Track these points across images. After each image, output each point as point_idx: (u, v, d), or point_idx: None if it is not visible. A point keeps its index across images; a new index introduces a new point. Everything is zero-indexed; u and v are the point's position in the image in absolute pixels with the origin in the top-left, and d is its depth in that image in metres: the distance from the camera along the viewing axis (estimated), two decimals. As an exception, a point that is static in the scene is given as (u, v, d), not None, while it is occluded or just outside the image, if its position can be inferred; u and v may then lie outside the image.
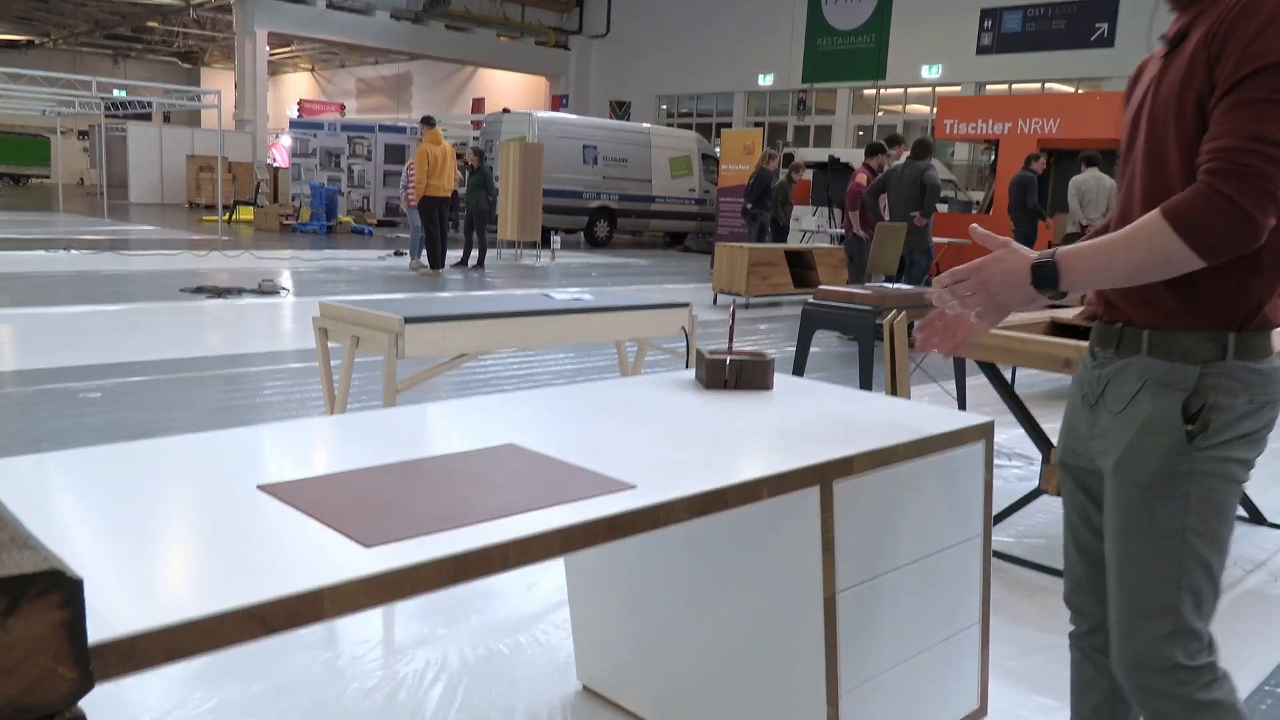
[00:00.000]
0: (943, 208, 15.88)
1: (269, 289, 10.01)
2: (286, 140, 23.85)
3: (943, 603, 2.20)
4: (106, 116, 22.07)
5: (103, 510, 1.36)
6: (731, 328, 2.47)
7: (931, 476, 2.10)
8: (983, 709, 2.42)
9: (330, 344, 3.31)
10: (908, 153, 8.65)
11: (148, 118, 31.80)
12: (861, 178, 9.00)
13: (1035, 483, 4.70)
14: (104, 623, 1.03)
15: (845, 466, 1.87)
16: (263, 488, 1.49)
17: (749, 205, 11.90)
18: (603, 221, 19.33)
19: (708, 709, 2.20)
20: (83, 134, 39.93)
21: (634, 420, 2.03)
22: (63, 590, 0.92)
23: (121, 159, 28.84)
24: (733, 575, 2.06)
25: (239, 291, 9.84)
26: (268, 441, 1.74)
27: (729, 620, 2.09)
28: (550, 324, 3.36)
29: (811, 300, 5.09)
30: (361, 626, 2.83)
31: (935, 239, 10.34)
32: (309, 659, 2.64)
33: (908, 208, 8.33)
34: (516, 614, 2.96)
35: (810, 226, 15.09)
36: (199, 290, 9.80)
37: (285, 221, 19.97)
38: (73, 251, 13.37)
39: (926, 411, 2.28)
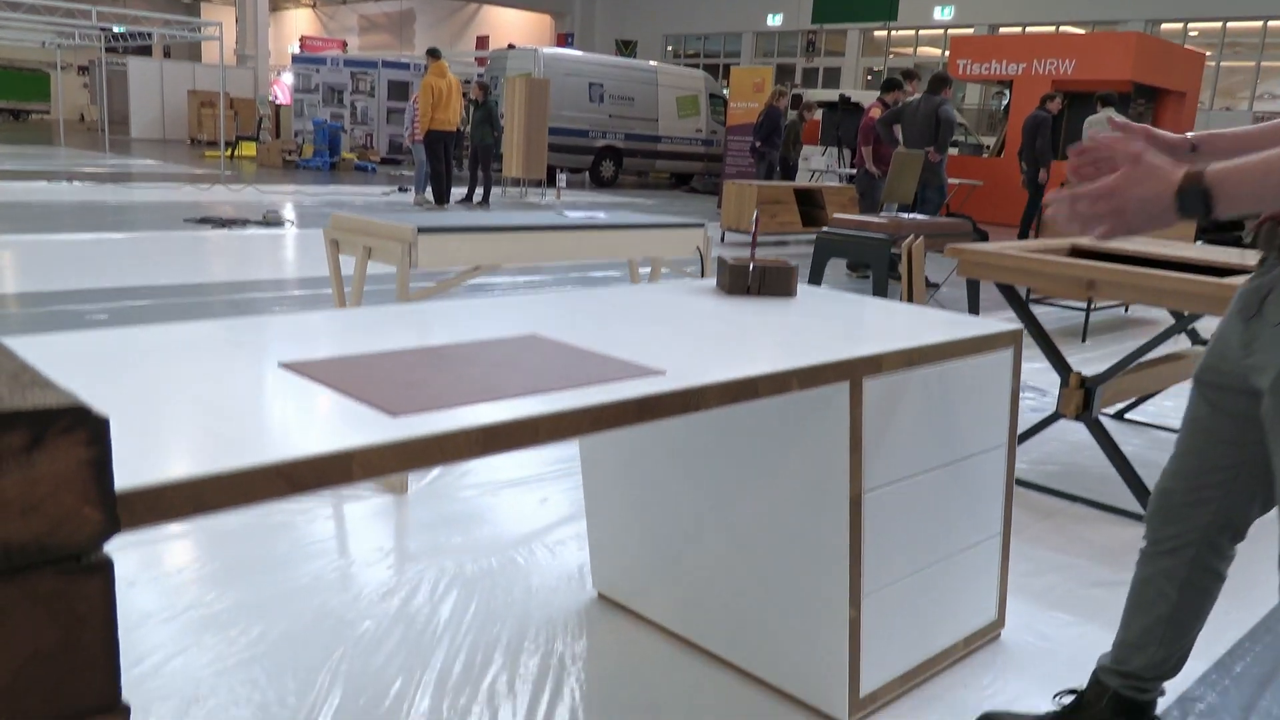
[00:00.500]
0: (953, 151, 15.70)
1: (273, 220, 9.92)
2: (288, 78, 23.55)
3: (966, 510, 2.18)
4: (107, 51, 21.77)
5: (125, 380, 1.33)
6: (754, 235, 2.42)
7: (960, 380, 2.06)
8: (1000, 621, 2.41)
9: (341, 256, 3.26)
10: (924, 88, 8.50)
11: (148, 52, 31.39)
12: (875, 113, 8.86)
13: (1049, 414, 4.67)
14: (131, 473, 1.00)
15: (875, 364, 1.83)
16: (285, 365, 1.45)
17: (758, 143, 11.74)
18: (608, 161, 19.13)
19: (725, 613, 2.18)
20: (83, 69, 39.44)
21: (658, 319, 1.99)
22: (89, 427, 0.89)
23: (122, 94, 28.51)
24: (756, 476, 2.03)
25: (243, 223, 9.76)
26: (288, 327, 1.71)
27: (751, 522, 2.07)
28: (564, 239, 3.31)
29: (826, 229, 5.02)
30: (374, 535, 2.82)
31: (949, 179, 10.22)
32: (321, 565, 2.63)
33: (923, 143, 8.20)
34: (530, 527, 2.95)
35: (820, 166, 14.93)
36: (203, 221, 9.72)
37: (288, 157, 19.78)
38: (75, 183, 13.25)
39: (954, 319, 2.24)
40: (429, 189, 12.50)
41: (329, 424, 1.19)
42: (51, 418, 0.86)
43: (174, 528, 2.81)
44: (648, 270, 7.17)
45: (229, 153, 21.29)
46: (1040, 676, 2.27)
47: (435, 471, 3.39)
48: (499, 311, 1.96)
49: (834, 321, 2.07)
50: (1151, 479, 3.68)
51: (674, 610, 2.32)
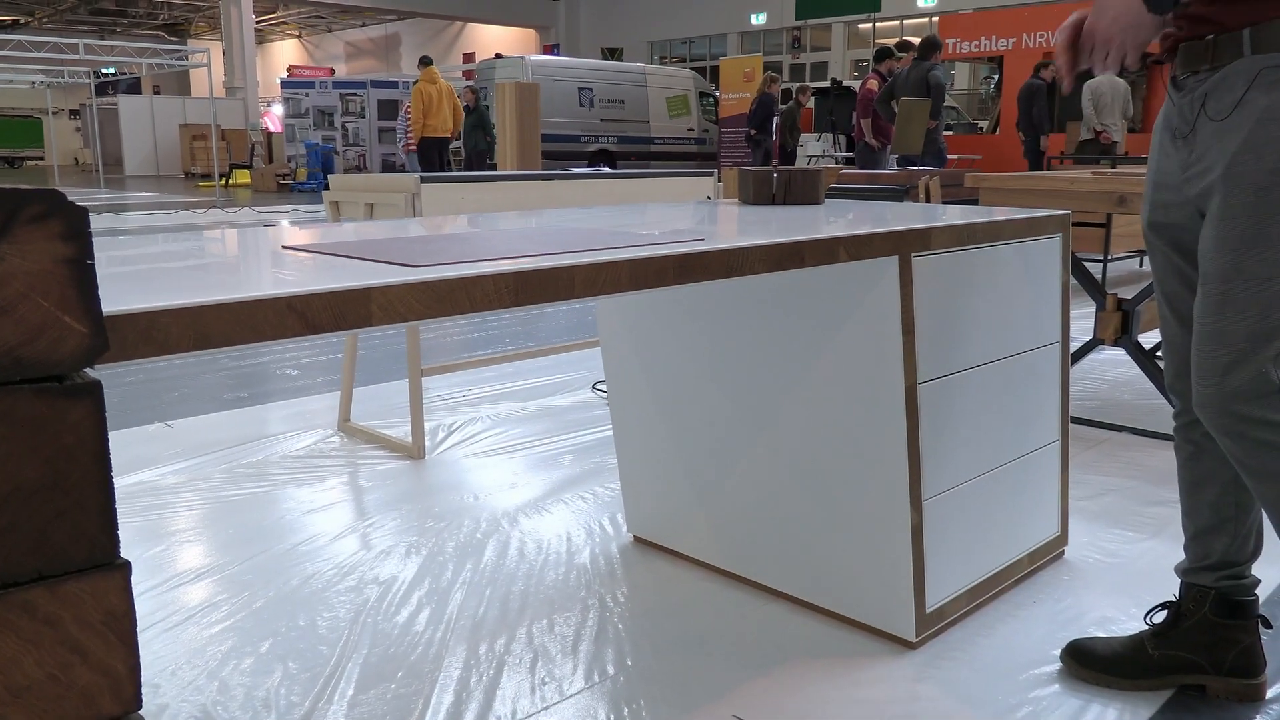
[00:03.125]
0: (947, 132, 15.58)
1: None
2: (278, 109, 23.49)
3: (1023, 412, 2.04)
4: (97, 91, 21.75)
5: (121, 262, 1.20)
6: (777, 146, 2.29)
7: (1010, 264, 1.93)
8: (1063, 537, 2.27)
9: (342, 219, 3.14)
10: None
11: (138, 89, 31.41)
12: (872, 84, 8.74)
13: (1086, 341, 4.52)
14: (127, 306, 0.87)
15: (923, 239, 1.70)
16: (288, 246, 1.33)
17: (753, 131, 11.63)
18: (602, 164, 19.03)
19: (771, 539, 2.04)
20: (74, 113, 39.51)
21: (687, 216, 1.86)
22: (65, 218, 0.76)
23: (115, 134, 28.48)
24: (800, 379, 1.89)
25: (240, 238, 9.65)
26: (288, 230, 1.58)
27: (795, 432, 1.93)
28: (567, 189, 3.18)
29: (835, 185, 4.90)
30: (394, 495, 2.68)
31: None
32: (342, 525, 2.49)
33: (918, 111, 8.06)
34: (557, 481, 2.81)
35: (815, 151, 14.81)
36: (231, 228, 9.61)
37: (282, 181, 19.72)
38: (69, 215, 13.17)
39: (996, 210, 2.11)
40: (425, 198, 12.38)
41: (343, 273, 1.06)
42: (20, 200, 0.73)
43: (191, 496, 2.68)
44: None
45: (223, 181, 21.24)
46: (1113, 590, 2.12)
47: (452, 437, 3.26)
48: (516, 221, 1.83)
49: (870, 216, 1.94)
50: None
51: (716, 544, 2.18)
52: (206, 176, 24.18)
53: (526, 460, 3.03)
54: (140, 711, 0.86)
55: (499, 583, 2.18)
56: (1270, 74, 1.39)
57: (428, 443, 3.19)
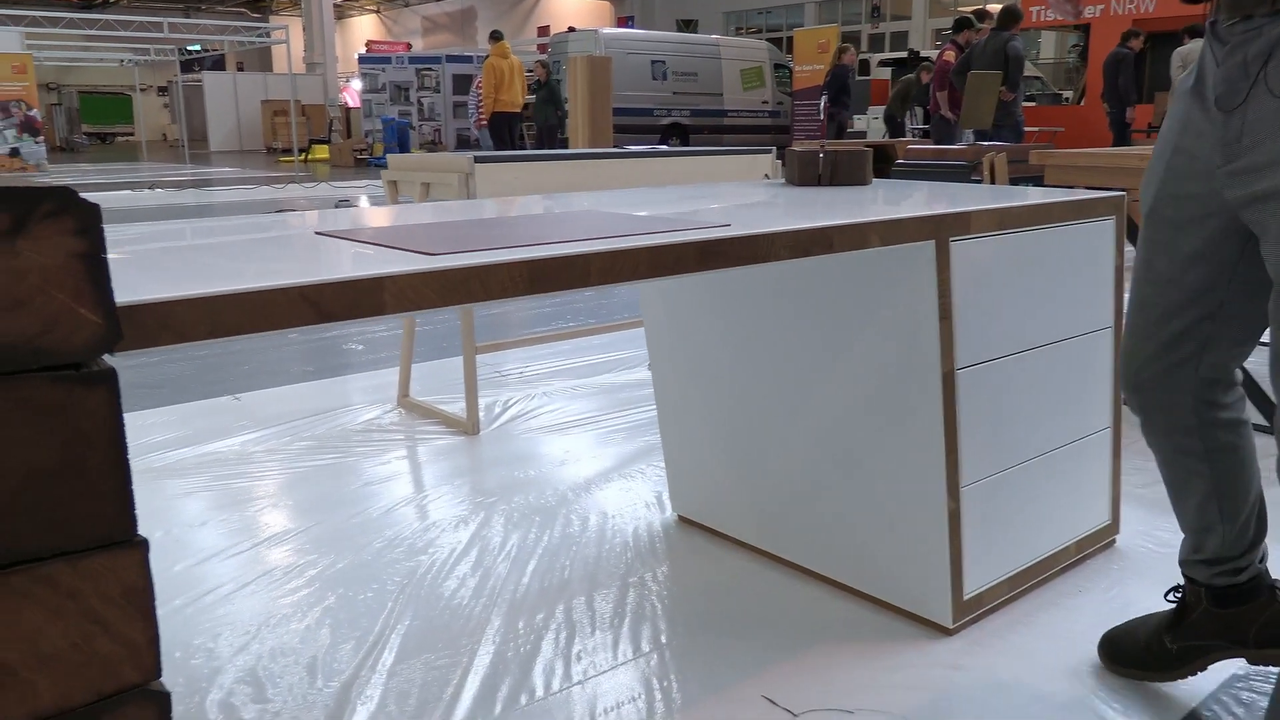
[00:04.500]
0: (1030, 103, 15.16)
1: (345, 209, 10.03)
2: (357, 83, 23.86)
3: (1071, 399, 2.00)
4: (183, 69, 22.33)
5: (159, 248, 1.25)
6: (824, 125, 2.27)
7: (1058, 249, 1.89)
8: (1114, 526, 2.22)
9: (400, 197, 3.20)
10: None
11: (221, 66, 32.16)
12: (949, 55, 8.54)
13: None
14: (144, 295, 0.91)
15: (963, 223, 1.67)
16: (321, 232, 1.36)
17: (826, 103, 11.46)
18: (675, 138, 18.95)
19: (811, 522, 2.04)
20: (162, 90, 40.64)
21: (726, 199, 1.85)
22: (77, 215, 0.79)
23: (200, 110, 29.26)
24: (838, 365, 1.89)
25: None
26: (328, 215, 1.62)
27: (835, 418, 1.92)
28: (624, 167, 3.19)
29: (899, 162, 4.81)
30: (445, 471, 2.74)
31: (1025, 127, 9.82)
32: (392, 500, 2.56)
33: (995, 83, 7.86)
34: (604, 461, 2.84)
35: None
36: (277, 213, 9.85)
37: (359, 156, 20.07)
38: (156, 190, 13.59)
39: (1049, 192, 2.06)
40: (497, 173, 12.50)
41: (360, 262, 1.09)
42: (35, 199, 0.77)
43: (256, 467, 2.77)
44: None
45: (302, 156, 21.69)
46: (1164, 580, 2.08)
47: (508, 413, 3.31)
48: (556, 202, 1.85)
49: (915, 198, 1.91)
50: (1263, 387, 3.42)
51: (757, 526, 2.18)
52: (287, 151, 24.71)
53: (578, 437, 3.06)
54: (162, 679, 0.91)
55: (542, 557, 2.22)
56: None
57: (483, 418, 3.25)
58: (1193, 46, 9.59)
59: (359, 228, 1.41)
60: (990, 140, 7.66)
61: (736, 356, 2.09)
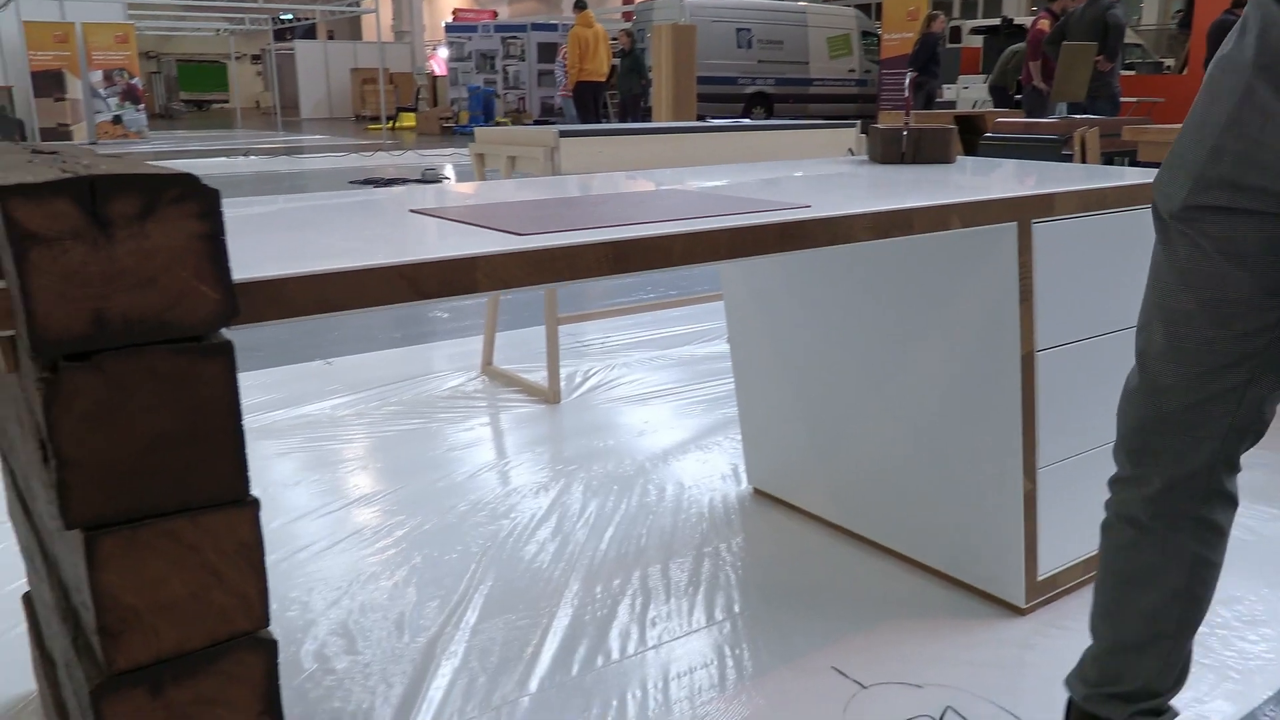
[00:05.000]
0: (1129, 71, 14.64)
1: (432, 178, 10.19)
2: (444, 51, 24.11)
3: (1154, 381, 1.97)
4: (276, 37, 22.82)
5: (252, 221, 1.32)
6: (909, 101, 2.26)
7: (1142, 230, 1.86)
8: (1196, 511, 2.19)
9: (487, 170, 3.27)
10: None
11: (313, 35, 32.74)
12: (1044, 24, 8.30)
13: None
14: (256, 274, 0.97)
15: (1046, 204, 1.67)
16: (415, 210, 1.43)
17: (914, 73, 11.22)
18: (759, 108, 18.76)
19: (887, 498, 2.06)
20: (255, 58, 41.56)
21: (804, 180, 1.87)
22: (199, 199, 0.86)
23: (291, 78, 29.88)
24: (917, 345, 1.90)
25: (403, 182, 10.05)
26: (420, 192, 1.68)
27: (913, 397, 1.94)
28: (708, 141, 3.20)
29: (988, 135, 4.73)
30: (527, 439, 2.82)
31: (1123, 98, 9.51)
32: (474, 466, 2.64)
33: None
34: (683, 432, 2.89)
35: (980, 95, 14.18)
36: (366, 182, 10.07)
37: (445, 124, 20.32)
38: (251, 157, 13.97)
39: (1139, 173, 2.03)
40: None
41: (452, 241, 1.15)
42: (162, 184, 0.84)
43: (346, 430, 2.89)
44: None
45: (390, 124, 22.05)
46: (1245, 570, 2.05)
47: (588, 383, 3.37)
48: (638, 177, 1.89)
49: (999, 178, 1.90)
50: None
51: (833, 500, 2.21)
52: (375, 119, 25.13)
53: (657, 408, 3.11)
54: (270, 628, 0.98)
55: (620, 525, 2.28)
56: None
57: (564, 387, 3.32)
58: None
59: (449, 205, 1.47)
60: (1085, 113, 7.44)
61: (816, 332, 2.11)
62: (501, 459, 2.71)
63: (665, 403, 3.17)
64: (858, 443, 2.09)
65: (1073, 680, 1.35)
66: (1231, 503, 1.22)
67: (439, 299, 1.05)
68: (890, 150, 2.16)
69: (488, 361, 3.52)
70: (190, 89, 40.96)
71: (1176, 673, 1.27)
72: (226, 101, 41.97)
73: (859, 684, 1.67)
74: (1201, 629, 1.82)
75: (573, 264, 1.14)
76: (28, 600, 1.63)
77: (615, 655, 1.76)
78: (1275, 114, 1.06)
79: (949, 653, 1.75)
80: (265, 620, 0.96)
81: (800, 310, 2.13)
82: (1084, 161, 3.51)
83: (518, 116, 21.51)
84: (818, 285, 2.08)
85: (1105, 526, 1.28)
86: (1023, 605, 1.86)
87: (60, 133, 17.25)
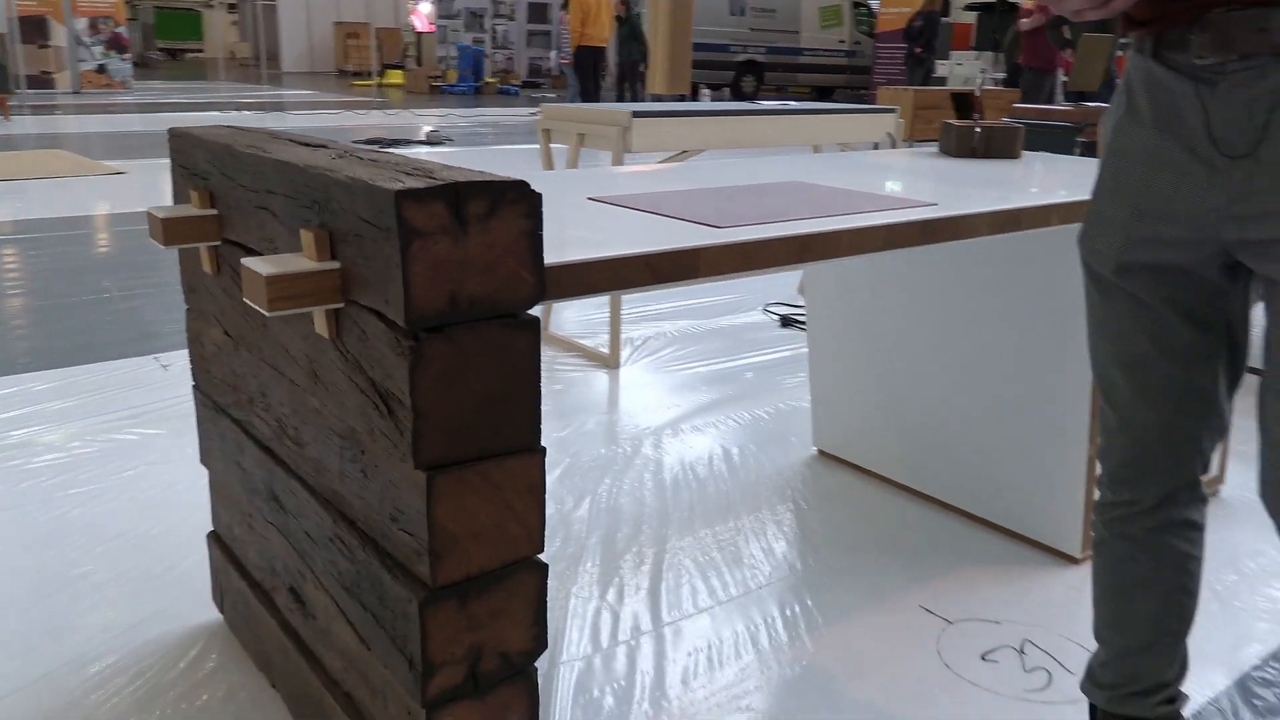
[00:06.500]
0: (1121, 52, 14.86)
1: (436, 140, 10.27)
2: (425, 7, 23.93)
3: (1198, 361, 2.22)
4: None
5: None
6: (979, 101, 2.46)
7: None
8: (1221, 476, 2.45)
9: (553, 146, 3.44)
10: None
11: (294, -15, 32.28)
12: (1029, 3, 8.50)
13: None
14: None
15: (1125, 204, 1.88)
16: (593, 199, 1.62)
17: (917, 49, 11.42)
18: (749, 76, 18.88)
19: (951, 459, 2.29)
20: (232, 7, 40.88)
21: (900, 173, 2.08)
22: (528, 201, 1.06)
23: (272, 29, 29.52)
24: (991, 319, 2.12)
25: (407, 142, 10.12)
26: (563, 177, 1.87)
27: (983, 365, 2.16)
28: (765, 124, 3.40)
29: (1007, 120, 4.94)
30: (608, 390, 3.03)
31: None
32: (549, 424, 2.85)
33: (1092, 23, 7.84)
34: (748, 392, 3.11)
35: (971, 73, 14.40)
36: (370, 142, 10.13)
37: (434, 84, 20.24)
38: (244, 112, 13.93)
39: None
40: (577, 107, 12.65)
41: (668, 234, 1.34)
42: (504, 189, 1.04)
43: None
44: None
45: (376, 81, 21.92)
46: (1267, 527, 2.31)
47: (640, 350, 3.58)
48: (747, 167, 2.09)
49: (1068, 174, 2.12)
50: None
51: (898, 460, 2.44)
52: (359, 75, 24.93)
53: (711, 375, 3.33)
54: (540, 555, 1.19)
55: (688, 484, 2.50)
56: None
57: (624, 354, 3.52)
58: None
59: (618, 194, 1.66)
60: (1094, 101, 7.67)
61: (893, 305, 2.33)
62: (563, 423, 2.91)
63: (717, 369, 3.38)
64: (926, 406, 2.32)
65: (1087, 687, 1.43)
66: (1205, 499, 1.34)
67: (668, 284, 1.25)
68: (963, 145, 2.37)
69: (546, 327, 3.72)
70: (166, 37, 40.26)
71: (1181, 661, 1.37)
72: (201, 51, 41.32)
73: (946, 620, 1.90)
74: (1231, 577, 2.07)
75: (766, 255, 1.34)
76: (215, 537, 1.82)
77: (721, 596, 1.98)
78: (1189, 172, 1.12)
79: (1019, 595, 1.99)
80: (541, 548, 1.17)
81: (876, 278, 2.35)
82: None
83: (506, 77, 21.46)
84: (897, 262, 2.29)
85: (1099, 544, 1.37)
86: (1078, 556, 2.10)
87: (43, 80, 17.04)
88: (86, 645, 1.76)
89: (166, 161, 8.63)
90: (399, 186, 0.98)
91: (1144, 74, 1.15)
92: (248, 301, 1.12)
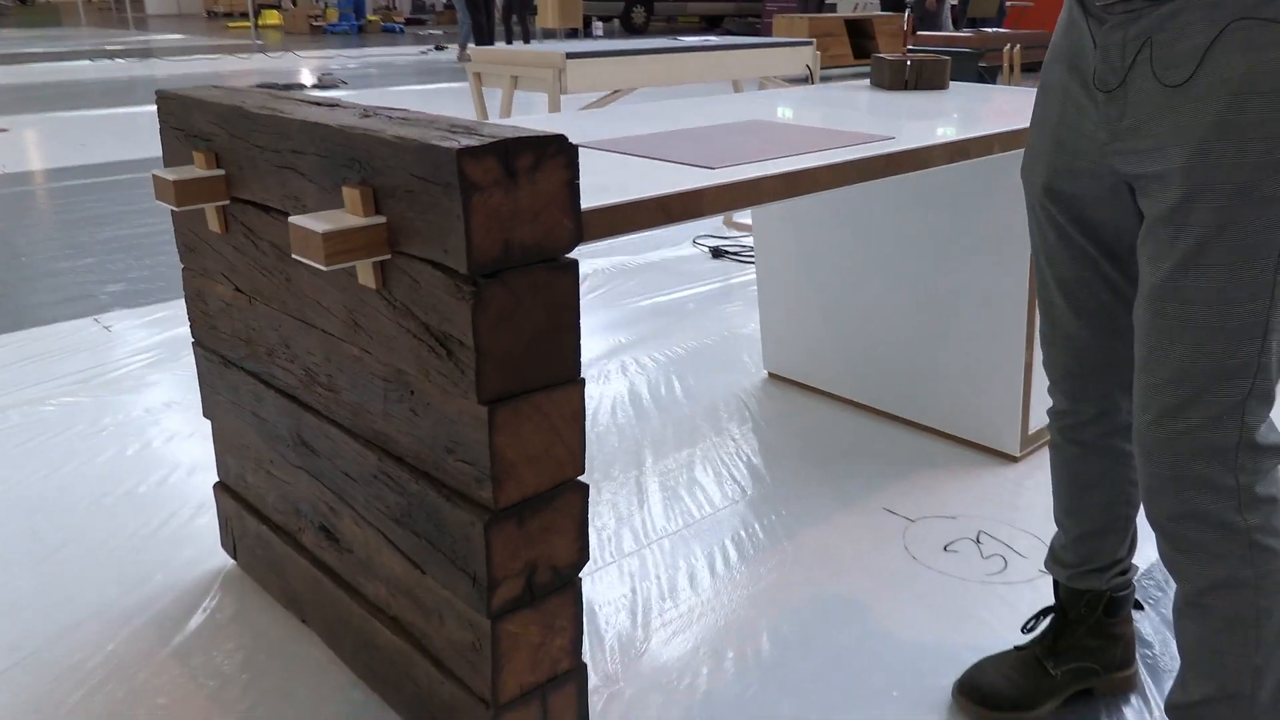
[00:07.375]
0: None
1: (329, 83, 10.01)
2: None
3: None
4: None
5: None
6: (907, 31, 2.60)
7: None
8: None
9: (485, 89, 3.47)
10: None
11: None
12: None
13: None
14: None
15: (1054, 130, 2.06)
16: (582, 145, 1.71)
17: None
18: (639, 7, 18.76)
19: (897, 373, 2.48)
20: (83, -54, 38.40)
21: (843, 105, 2.21)
22: (567, 154, 1.15)
23: (131, -31, 27.95)
24: (934, 241, 2.29)
25: (300, 86, 9.85)
26: (568, 122, 1.95)
27: (927, 279, 2.33)
28: (696, 60, 3.49)
29: (910, 49, 5.12)
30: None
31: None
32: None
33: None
34: (694, 323, 3.24)
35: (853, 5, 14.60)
36: (262, 86, 9.82)
37: (314, 23, 19.55)
38: (117, 60, 13.29)
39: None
40: (472, 44, 12.43)
41: (670, 177, 1.45)
42: (546, 143, 1.13)
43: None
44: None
45: (254, 21, 21.04)
46: None
47: (597, 279, 3.68)
48: (700, 106, 2.19)
49: (996, 104, 2.28)
50: None
51: (847, 378, 2.62)
52: (230, 15, 23.88)
53: (654, 307, 3.45)
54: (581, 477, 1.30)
55: (648, 415, 2.64)
56: (1248, 28, 1.04)
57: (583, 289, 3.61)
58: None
59: (607, 139, 1.75)
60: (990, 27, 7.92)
61: (835, 228, 2.48)
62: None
63: (660, 302, 3.50)
64: (872, 328, 2.49)
65: (1051, 565, 1.58)
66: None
67: (679, 222, 1.37)
68: (896, 78, 2.51)
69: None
70: (12, -20, 37.67)
71: (1131, 540, 1.54)
72: (53, -5, 38.83)
73: (908, 519, 2.09)
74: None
75: (758, 192, 1.46)
76: (222, 487, 1.88)
77: (706, 510, 2.13)
78: (1083, 106, 1.23)
79: (969, 492, 2.19)
80: (582, 469, 1.29)
81: (823, 215, 2.50)
82: (1011, 74, 3.94)
83: (389, 14, 20.85)
84: (839, 192, 2.44)
85: (1054, 446, 1.51)
86: (1017, 454, 2.32)
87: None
88: (102, 601, 1.82)
89: (53, 116, 8.25)
90: (457, 145, 1.07)
91: (1067, 13, 1.27)
92: (298, 257, 1.19)
